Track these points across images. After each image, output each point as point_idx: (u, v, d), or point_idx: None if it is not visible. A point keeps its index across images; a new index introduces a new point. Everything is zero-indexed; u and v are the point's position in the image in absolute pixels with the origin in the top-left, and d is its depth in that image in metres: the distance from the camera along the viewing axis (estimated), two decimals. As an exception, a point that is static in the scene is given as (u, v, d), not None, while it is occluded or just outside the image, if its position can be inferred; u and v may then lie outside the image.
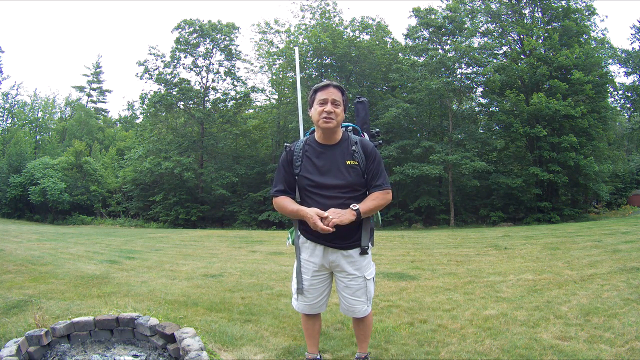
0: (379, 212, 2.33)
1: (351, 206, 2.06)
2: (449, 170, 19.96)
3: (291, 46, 24.17)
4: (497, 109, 22.42)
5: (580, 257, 6.20)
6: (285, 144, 2.32)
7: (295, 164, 2.21)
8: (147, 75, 25.29)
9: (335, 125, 2.13)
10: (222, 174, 23.49)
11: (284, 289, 4.57)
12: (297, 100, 2.73)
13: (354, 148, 2.17)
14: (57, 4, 77.20)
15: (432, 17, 21.57)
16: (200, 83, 26.37)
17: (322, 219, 2.02)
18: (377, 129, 2.74)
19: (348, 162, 2.14)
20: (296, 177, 2.21)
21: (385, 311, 3.65)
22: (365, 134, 2.56)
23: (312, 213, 2.04)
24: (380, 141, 2.68)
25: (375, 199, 2.14)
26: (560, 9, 21.11)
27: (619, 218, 19.32)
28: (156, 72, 25.17)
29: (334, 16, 25.11)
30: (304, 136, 2.37)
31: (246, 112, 28.17)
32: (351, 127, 2.47)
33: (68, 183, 25.48)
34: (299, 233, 2.27)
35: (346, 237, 2.15)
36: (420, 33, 22.31)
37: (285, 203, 2.18)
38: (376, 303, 3.87)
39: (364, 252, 2.18)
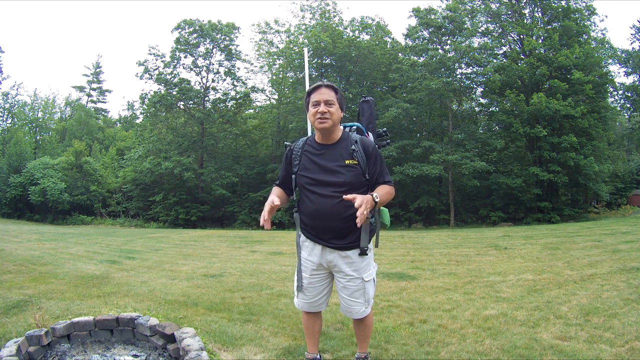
0: (387, 213, 2.32)
1: (371, 194, 1.98)
2: (449, 170, 19.96)
3: (291, 46, 24.20)
4: (497, 109, 22.44)
5: (580, 257, 6.20)
6: (285, 142, 2.32)
7: (293, 163, 2.22)
8: (147, 75, 25.30)
9: (331, 124, 2.12)
10: (222, 174, 23.48)
11: (284, 289, 4.57)
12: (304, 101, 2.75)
13: (353, 147, 2.15)
14: (57, 4, 77.29)
15: (432, 17, 21.55)
16: (200, 83, 26.41)
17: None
18: (385, 129, 2.72)
19: (347, 162, 2.12)
20: (293, 176, 2.21)
21: (385, 311, 3.65)
22: (369, 133, 2.55)
23: (267, 203, 2.05)
24: (389, 140, 2.67)
25: (385, 189, 2.12)
26: (560, 9, 21.10)
27: (619, 218, 19.33)
28: (156, 72, 25.17)
29: (334, 16, 25.14)
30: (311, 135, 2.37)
31: (246, 112, 28.15)
32: (355, 127, 2.46)
33: (68, 183, 25.49)
34: (300, 231, 2.28)
35: (344, 237, 2.13)
36: (420, 33, 22.29)
37: (272, 192, 2.24)
38: (376, 303, 3.86)
39: (363, 253, 2.15)
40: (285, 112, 24.18)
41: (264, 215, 2.00)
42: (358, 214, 1.85)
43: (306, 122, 2.44)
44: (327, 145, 2.19)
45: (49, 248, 8.78)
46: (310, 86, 2.24)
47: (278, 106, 26.27)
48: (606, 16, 36.05)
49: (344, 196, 1.94)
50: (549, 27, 21.24)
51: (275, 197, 2.12)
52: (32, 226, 20.26)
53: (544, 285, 4.47)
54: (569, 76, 19.69)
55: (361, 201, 1.87)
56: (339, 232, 2.12)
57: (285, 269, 5.93)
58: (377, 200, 1.98)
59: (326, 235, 2.14)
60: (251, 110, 28.87)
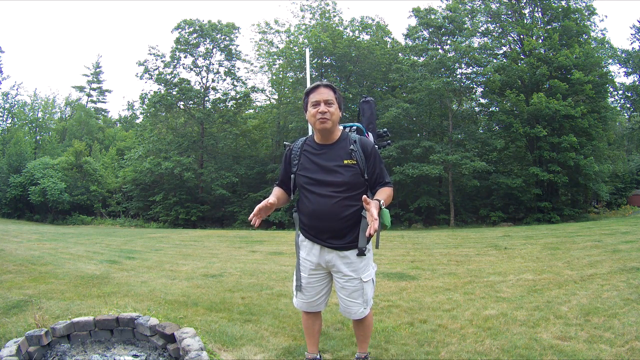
0: (388, 214, 2.32)
1: (377, 199, 1.99)
2: (449, 170, 19.96)
3: (291, 46, 24.20)
4: (497, 109, 22.43)
5: (580, 257, 6.20)
6: (284, 142, 2.32)
7: (292, 162, 2.22)
8: (147, 75, 25.31)
9: (331, 125, 2.12)
10: (222, 174, 23.49)
11: (284, 289, 4.57)
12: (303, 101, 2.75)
13: (352, 147, 2.15)
14: (57, 4, 77.28)
15: (432, 17, 21.56)
16: (200, 83, 26.42)
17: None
18: (385, 129, 2.73)
19: (346, 162, 2.12)
20: (292, 176, 2.22)
21: (385, 311, 3.65)
22: (369, 133, 2.55)
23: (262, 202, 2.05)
24: (389, 141, 2.67)
25: (387, 192, 2.12)
26: (560, 9, 21.10)
27: (619, 218, 19.33)
28: (156, 72, 25.18)
29: (334, 16, 25.14)
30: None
31: (246, 112, 28.16)
32: (355, 127, 2.46)
33: (68, 183, 25.49)
34: (299, 231, 2.28)
35: (342, 237, 2.13)
36: (420, 33, 22.29)
37: (272, 192, 2.24)
38: (376, 303, 3.86)
39: (361, 253, 2.14)
40: (285, 112, 24.17)
41: (254, 211, 1.99)
42: (370, 225, 1.86)
43: (306, 122, 2.44)
44: (326, 145, 2.19)
45: (49, 248, 8.78)
46: (306, 88, 2.24)
47: (278, 106, 26.27)
48: (606, 16, 36.25)
49: (364, 197, 1.92)
50: (549, 27, 21.24)
51: (273, 196, 2.13)
52: (32, 226, 20.26)
53: (544, 285, 4.48)
54: (569, 76, 19.68)
55: (372, 217, 1.88)
56: (338, 232, 2.12)
57: (285, 269, 5.93)
58: (383, 207, 2.00)
59: (324, 235, 2.14)
60: (251, 110, 28.88)
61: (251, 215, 2.00)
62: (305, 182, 2.16)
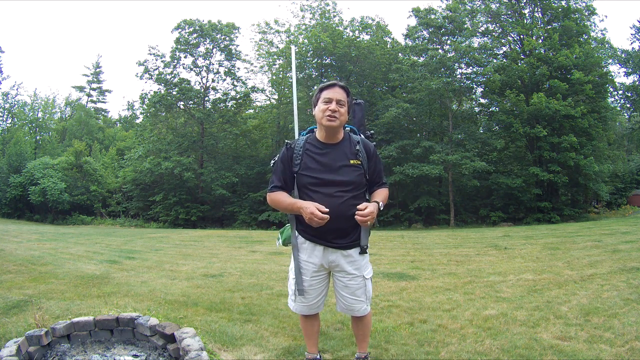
0: None
1: (374, 201, 2.12)
2: (449, 170, 19.96)
3: (291, 46, 24.19)
4: (497, 109, 22.44)
5: (580, 257, 6.20)
6: (286, 141, 2.31)
7: (294, 162, 2.19)
8: (147, 75, 25.32)
9: (338, 124, 2.14)
10: (222, 174, 23.49)
11: (284, 289, 4.56)
12: (293, 100, 2.73)
13: (357, 148, 2.19)
14: (57, 4, 77.27)
15: (432, 17, 21.57)
16: (200, 83, 26.42)
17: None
18: (372, 131, 2.75)
19: (351, 162, 2.15)
20: (294, 175, 2.20)
21: (385, 311, 3.65)
22: (361, 135, 2.57)
23: (308, 205, 2.01)
24: (374, 143, 2.69)
25: (384, 194, 2.23)
26: (560, 9, 21.12)
27: (619, 218, 19.33)
28: (156, 72, 25.19)
29: (334, 16, 25.14)
30: (300, 135, 2.36)
31: (246, 112, 28.16)
32: (349, 128, 2.47)
33: (68, 183, 25.49)
34: (297, 233, 2.25)
35: (345, 237, 2.15)
36: (420, 33, 22.31)
37: (281, 197, 2.15)
38: (376, 303, 3.87)
39: (363, 251, 2.19)
40: (285, 112, 24.18)
41: (322, 215, 1.97)
42: (367, 218, 2.01)
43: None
44: (330, 144, 2.19)
45: (49, 248, 8.79)
46: (322, 84, 2.26)
47: (278, 106, 26.27)
48: (606, 16, 36.29)
49: (359, 207, 2.03)
50: (549, 27, 21.25)
51: (297, 200, 2.12)
52: (32, 226, 20.26)
53: (544, 285, 4.48)
54: (569, 76, 19.69)
55: (371, 211, 2.03)
56: (343, 232, 2.13)
57: (285, 269, 5.90)
58: (381, 208, 2.14)
59: (330, 236, 2.14)
60: (251, 110, 28.89)
61: (321, 216, 1.97)
62: (309, 183, 2.14)
